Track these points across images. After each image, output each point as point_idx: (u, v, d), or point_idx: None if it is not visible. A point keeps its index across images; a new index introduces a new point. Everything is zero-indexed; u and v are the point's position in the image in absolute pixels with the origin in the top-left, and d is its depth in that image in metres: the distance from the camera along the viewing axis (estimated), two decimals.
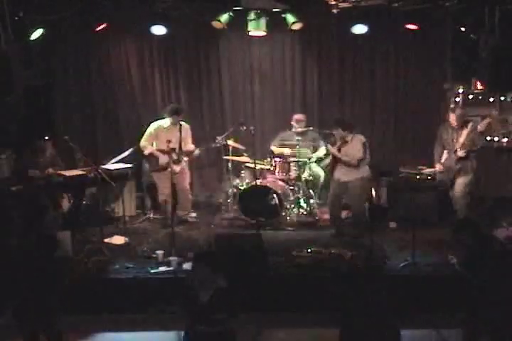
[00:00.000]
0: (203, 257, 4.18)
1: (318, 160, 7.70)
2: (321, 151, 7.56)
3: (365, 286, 3.92)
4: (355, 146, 6.48)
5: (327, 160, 7.52)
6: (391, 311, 3.84)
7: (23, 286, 4.21)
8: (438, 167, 6.78)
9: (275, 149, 7.66)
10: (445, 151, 6.74)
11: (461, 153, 6.52)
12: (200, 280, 3.97)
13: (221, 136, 7.55)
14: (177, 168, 7.08)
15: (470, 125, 6.56)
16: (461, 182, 6.62)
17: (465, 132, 6.54)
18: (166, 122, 7.16)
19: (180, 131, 7.14)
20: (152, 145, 7.14)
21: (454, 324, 4.65)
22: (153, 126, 7.18)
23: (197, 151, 7.26)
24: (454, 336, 4.81)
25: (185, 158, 7.27)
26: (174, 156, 6.98)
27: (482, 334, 4.19)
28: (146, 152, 7.15)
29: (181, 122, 7.20)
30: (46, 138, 6.71)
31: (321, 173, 7.68)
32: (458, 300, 4.67)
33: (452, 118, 6.64)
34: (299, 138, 7.47)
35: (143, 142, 7.18)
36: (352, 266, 5.58)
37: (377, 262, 4.39)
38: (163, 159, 6.95)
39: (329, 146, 6.74)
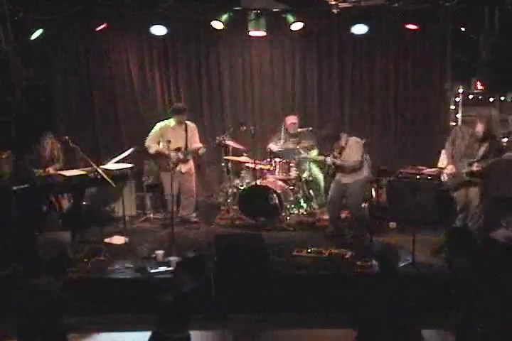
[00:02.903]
0: (189, 262, 4.17)
1: (316, 161, 7.69)
2: (316, 151, 7.56)
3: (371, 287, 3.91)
4: (352, 149, 6.37)
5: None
6: (392, 311, 3.83)
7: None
8: (449, 169, 6.16)
9: (273, 147, 7.66)
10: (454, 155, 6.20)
11: (475, 168, 5.99)
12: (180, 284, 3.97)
13: (221, 136, 7.56)
14: (184, 168, 7.13)
15: (491, 141, 5.92)
16: (474, 192, 6.10)
17: (486, 145, 5.92)
18: (171, 122, 7.18)
19: (187, 131, 7.17)
20: (158, 144, 7.13)
21: (452, 324, 4.64)
22: (158, 126, 7.20)
23: (202, 150, 7.27)
24: (452, 336, 4.80)
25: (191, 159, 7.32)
26: (181, 156, 7.02)
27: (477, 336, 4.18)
28: (151, 151, 7.15)
29: (187, 121, 7.22)
30: (46, 137, 6.71)
31: (320, 176, 7.67)
32: (457, 300, 4.66)
33: (480, 128, 5.91)
34: (295, 139, 7.54)
35: (148, 142, 7.17)
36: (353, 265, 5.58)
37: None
38: (174, 156, 6.98)
39: (329, 159, 6.47)
